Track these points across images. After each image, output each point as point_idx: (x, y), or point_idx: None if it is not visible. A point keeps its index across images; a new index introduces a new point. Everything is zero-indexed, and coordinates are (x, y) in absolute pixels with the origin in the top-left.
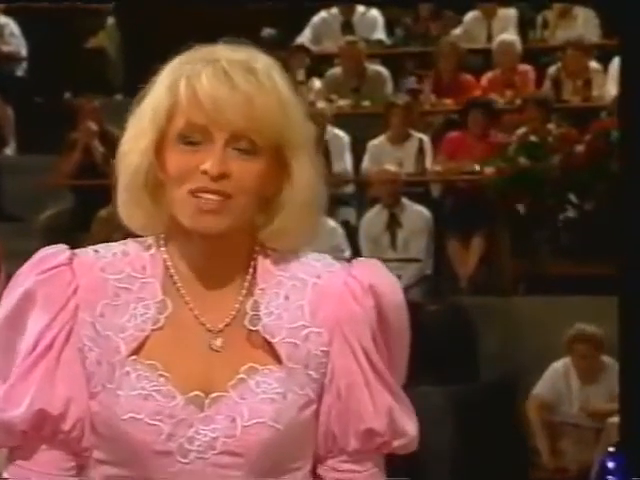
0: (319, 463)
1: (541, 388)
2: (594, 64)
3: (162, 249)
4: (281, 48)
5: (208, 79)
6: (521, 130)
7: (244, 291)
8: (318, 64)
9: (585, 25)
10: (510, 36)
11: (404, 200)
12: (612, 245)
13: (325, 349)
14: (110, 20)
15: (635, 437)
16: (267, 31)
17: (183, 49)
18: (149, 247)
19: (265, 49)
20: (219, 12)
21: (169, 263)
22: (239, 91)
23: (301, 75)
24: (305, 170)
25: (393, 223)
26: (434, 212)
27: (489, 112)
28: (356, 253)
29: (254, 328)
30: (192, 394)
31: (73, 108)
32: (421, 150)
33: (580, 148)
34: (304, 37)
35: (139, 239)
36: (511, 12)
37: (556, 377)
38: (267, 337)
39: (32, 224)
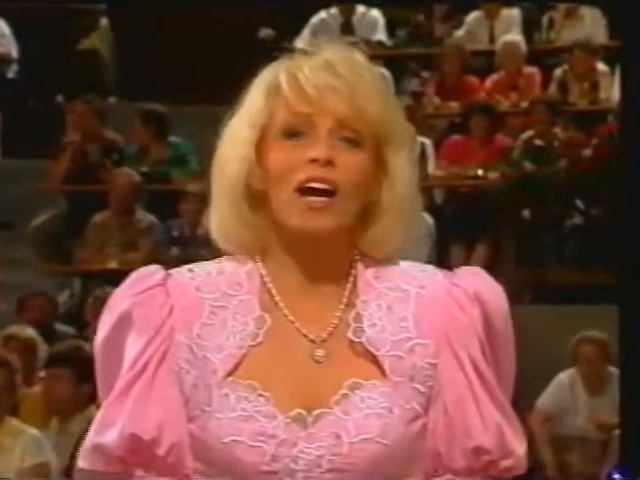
0: None
1: (546, 400)
2: (601, 66)
3: (259, 264)
4: (278, 49)
5: (311, 68)
6: (526, 134)
7: (345, 300)
8: None
9: (592, 26)
10: (515, 37)
11: None
12: (620, 252)
13: (432, 361)
14: (103, 21)
15: (637, 448)
16: (264, 31)
17: (178, 51)
18: (245, 263)
19: (262, 50)
20: (216, 12)
21: (267, 278)
22: (343, 79)
23: None
24: (405, 169)
25: None
26: (436, 218)
27: (492, 115)
28: None
29: (358, 340)
30: (294, 412)
31: (65, 111)
32: (423, 154)
33: (587, 152)
34: (303, 38)
35: (234, 256)
36: (514, 12)
37: (562, 388)
38: (371, 350)
39: (23, 230)
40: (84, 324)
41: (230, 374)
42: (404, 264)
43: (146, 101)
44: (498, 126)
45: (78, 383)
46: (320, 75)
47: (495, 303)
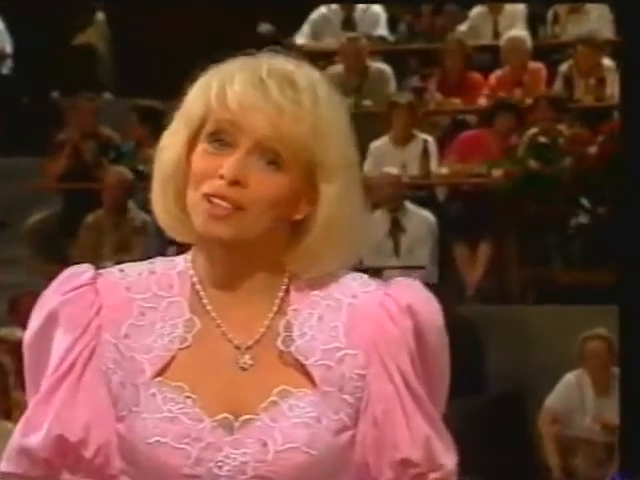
0: None
1: (553, 400)
2: (607, 61)
3: (189, 265)
4: (278, 45)
5: (241, 83)
6: (531, 131)
7: (275, 308)
8: (317, 62)
9: (598, 20)
10: (520, 32)
11: (408, 204)
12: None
13: (361, 372)
14: (99, 16)
15: (638, 449)
16: (264, 27)
17: (176, 46)
18: (176, 265)
19: (261, 45)
20: (215, 6)
21: (195, 279)
22: (270, 100)
23: None
24: (333, 194)
25: (396, 228)
26: (439, 217)
27: (517, 114)
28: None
29: (287, 349)
30: (220, 416)
31: (61, 108)
32: (426, 152)
33: (593, 149)
34: (303, 33)
35: (168, 258)
36: (519, 7)
37: (569, 388)
38: (300, 359)
39: (18, 229)
40: None
41: (158, 375)
42: (344, 275)
43: (142, 97)
44: (519, 124)
45: None
46: (248, 92)
47: (428, 316)
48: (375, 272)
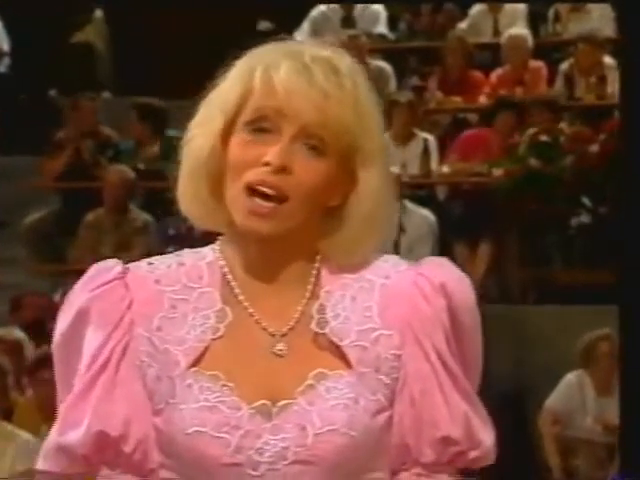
0: (392, 476)
1: (554, 400)
2: (608, 60)
3: (218, 255)
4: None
5: (286, 70)
6: (532, 130)
7: (307, 294)
8: None
9: (600, 19)
10: (521, 30)
11: (407, 203)
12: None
13: (396, 352)
14: (98, 13)
15: (638, 450)
16: (263, 24)
17: (175, 44)
18: (205, 256)
19: (261, 42)
20: (214, 4)
21: (226, 269)
22: (316, 86)
23: None
24: (373, 181)
25: (395, 227)
26: (440, 216)
27: (518, 112)
28: None
29: (321, 331)
30: (258, 403)
31: (59, 106)
32: (426, 151)
33: (594, 148)
34: (302, 31)
35: (195, 249)
36: (520, 5)
37: (570, 389)
38: (335, 340)
39: (15, 229)
40: None
41: (193, 365)
42: (375, 257)
43: (141, 96)
44: (520, 123)
45: None
46: (294, 79)
47: (461, 294)
48: None
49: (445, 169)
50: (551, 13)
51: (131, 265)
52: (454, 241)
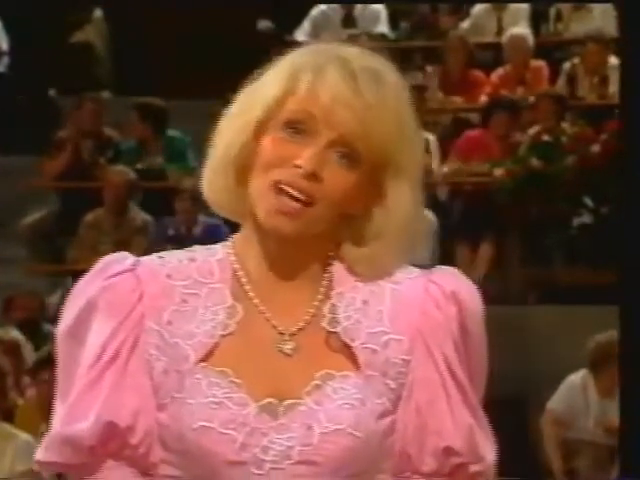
0: None
1: (556, 402)
2: (612, 59)
3: (229, 252)
4: (278, 41)
5: (334, 76)
6: (533, 129)
7: (320, 296)
8: None
9: (602, 18)
10: (522, 30)
11: None
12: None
13: (405, 358)
14: (97, 13)
15: (638, 452)
16: (263, 24)
17: (175, 44)
18: (216, 253)
19: (260, 42)
20: (214, 3)
21: (236, 266)
22: (362, 97)
23: None
24: (403, 195)
25: None
26: (441, 216)
27: (514, 112)
28: None
29: (333, 330)
30: (265, 401)
31: (58, 106)
32: (427, 151)
33: (596, 148)
34: (303, 30)
35: (207, 246)
36: (522, 5)
37: (572, 390)
38: (346, 340)
39: (15, 229)
40: None
41: (202, 360)
42: None
43: (141, 96)
44: (516, 123)
45: None
46: (340, 86)
47: (471, 303)
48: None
49: (446, 169)
50: (553, 12)
51: (142, 258)
52: (455, 241)
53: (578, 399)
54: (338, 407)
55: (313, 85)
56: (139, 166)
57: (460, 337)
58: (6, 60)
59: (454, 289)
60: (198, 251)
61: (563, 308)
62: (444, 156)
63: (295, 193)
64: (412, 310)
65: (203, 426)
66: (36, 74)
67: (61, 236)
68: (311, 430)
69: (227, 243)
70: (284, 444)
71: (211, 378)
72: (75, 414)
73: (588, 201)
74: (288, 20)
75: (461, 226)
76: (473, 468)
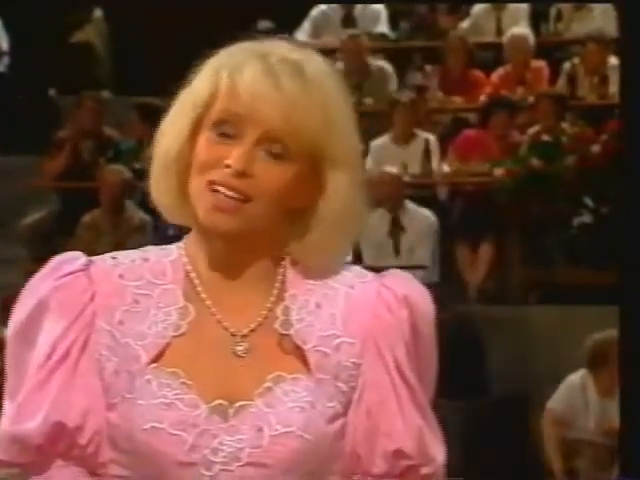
0: None
1: (556, 402)
2: (612, 59)
3: (182, 253)
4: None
5: (252, 72)
6: (533, 129)
7: (272, 298)
8: None
9: (602, 18)
10: (522, 30)
11: (408, 203)
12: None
13: (357, 361)
14: (97, 12)
15: (638, 452)
16: (263, 24)
17: (175, 43)
18: (169, 253)
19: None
20: (214, 3)
21: (189, 267)
22: (282, 91)
23: None
24: (342, 185)
25: (396, 228)
26: (441, 216)
27: (512, 112)
28: (357, 259)
29: (286, 332)
30: (215, 403)
31: (58, 106)
32: (427, 150)
33: (596, 148)
34: (303, 31)
35: (160, 247)
36: (522, 4)
37: (572, 390)
38: (298, 343)
39: (14, 229)
40: None
41: (153, 361)
42: (333, 264)
43: (141, 95)
44: (514, 122)
45: None
46: (259, 82)
47: (422, 306)
48: (375, 272)
49: (446, 169)
50: (553, 12)
51: (95, 258)
52: (455, 241)
53: (578, 399)
54: (288, 410)
55: (233, 83)
56: (139, 166)
57: (411, 340)
58: (6, 60)
59: (406, 293)
60: (152, 251)
61: (563, 308)
62: (444, 156)
63: (229, 192)
64: (364, 313)
65: (153, 427)
66: (36, 74)
67: (61, 236)
68: (261, 432)
69: (180, 244)
70: (234, 446)
71: (162, 379)
72: (24, 413)
73: (588, 201)
74: (288, 20)
75: (461, 226)
76: (424, 470)
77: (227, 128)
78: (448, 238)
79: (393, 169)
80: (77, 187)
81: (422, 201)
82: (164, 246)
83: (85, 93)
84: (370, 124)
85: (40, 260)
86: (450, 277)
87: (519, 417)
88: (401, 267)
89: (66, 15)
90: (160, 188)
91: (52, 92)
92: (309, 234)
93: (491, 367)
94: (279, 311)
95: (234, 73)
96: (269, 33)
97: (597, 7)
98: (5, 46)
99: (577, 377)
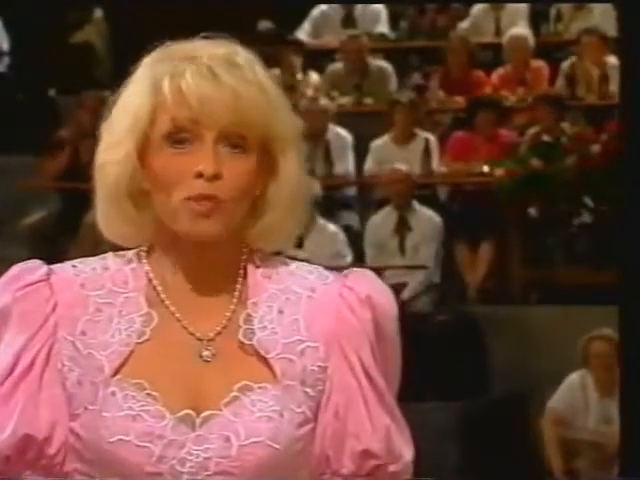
0: None
1: (557, 401)
2: (612, 59)
3: (144, 261)
4: (278, 42)
5: (193, 76)
6: (533, 129)
7: (235, 300)
8: (318, 59)
9: (602, 18)
10: (522, 30)
11: (415, 203)
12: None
13: (322, 364)
14: (97, 13)
15: (637, 452)
16: (263, 24)
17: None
18: (130, 261)
19: (261, 43)
20: (214, 3)
21: (151, 275)
22: (225, 86)
23: (298, 70)
24: (292, 164)
25: (402, 226)
26: (441, 216)
27: (498, 111)
28: (359, 259)
29: (248, 342)
30: (182, 413)
31: (58, 106)
32: (427, 150)
33: (596, 148)
34: (303, 31)
35: (119, 253)
36: (521, 4)
37: (573, 390)
38: (262, 352)
39: (15, 229)
40: None
41: (117, 372)
42: (293, 265)
43: None
44: (503, 122)
45: None
46: (203, 84)
47: (386, 307)
48: (376, 272)
49: (443, 170)
50: (553, 12)
51: (55, 267)
52: (456, 241)
53: (578, 398)
54: (256, 419)
55: (177, 91)
56: None
57: (375, 340)
58: (6, 60)
59: (368, 293)
60: (110, 259)
61: (563, 308)
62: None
63: (204, 204)
64: (327, 316)
65: (120, 439)
66: (36, 74)
67: (61, 236)
68: (229, 442)
69: (141, 251)
70: (202, 455)
71: (127, 391)
72: None
73: (588, 201)
74: (288, 20)
75: (462, 226)
76: (391, 468)
77: (182, 136)
78: (448, 238)
79: (402, 167)
80: (77, 187)
81: (422, 201)
82: (121, 252)
83: (85, 93)
84: (370, 124)
85: (40, 260)
86: (450, 277)
87: (519, 417)
88: (402, 267)
89: (66, 15)
90: (114, 221)
91: (52, 92)
92: (262, 219)
93: (491, 367)
94: (242, 320)
95: (176, 80)
96: (269, 33)
97: (597, 7)
98: (5, 46)
99: (577, 376)
